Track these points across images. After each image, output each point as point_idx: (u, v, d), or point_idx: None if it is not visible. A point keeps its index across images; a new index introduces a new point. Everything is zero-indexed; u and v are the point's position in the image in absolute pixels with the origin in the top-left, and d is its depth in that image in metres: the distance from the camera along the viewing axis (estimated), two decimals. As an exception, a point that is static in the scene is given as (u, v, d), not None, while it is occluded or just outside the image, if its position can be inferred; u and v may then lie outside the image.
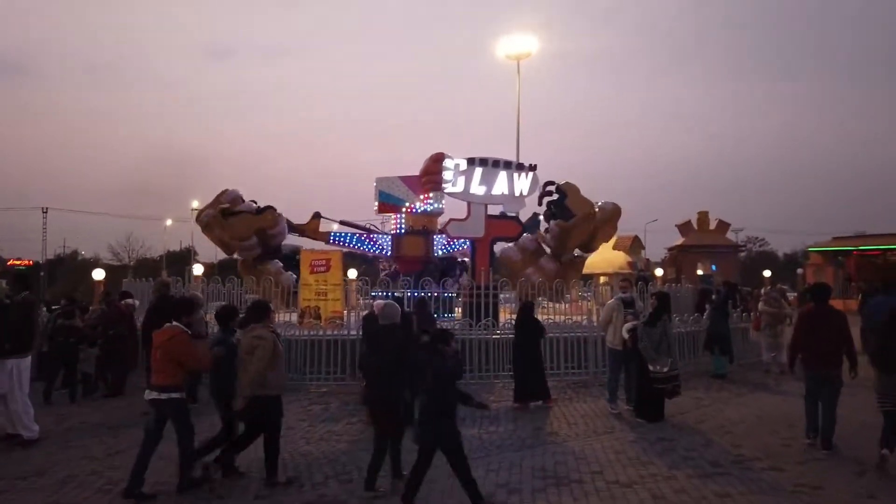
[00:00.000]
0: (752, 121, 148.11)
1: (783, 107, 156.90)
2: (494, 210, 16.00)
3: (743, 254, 62.93)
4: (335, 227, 19.69)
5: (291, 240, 18.72)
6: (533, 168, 15.63)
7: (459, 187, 15.13)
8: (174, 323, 6.48)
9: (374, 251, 19.42)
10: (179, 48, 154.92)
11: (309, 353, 12.61)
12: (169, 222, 68.30)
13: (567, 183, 16.55)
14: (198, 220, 17.32)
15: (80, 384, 11.51)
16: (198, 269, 20.91)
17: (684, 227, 39.99)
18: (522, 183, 15.52)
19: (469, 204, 15.33)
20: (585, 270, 30.69)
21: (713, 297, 14.68)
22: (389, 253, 19.09)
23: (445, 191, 15.26)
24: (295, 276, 16.08)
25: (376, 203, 19.34)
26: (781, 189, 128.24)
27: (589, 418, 9.66)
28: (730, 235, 42.83)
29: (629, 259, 36.19)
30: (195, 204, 62.04)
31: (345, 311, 14.43)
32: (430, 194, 17.64)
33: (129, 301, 13.26)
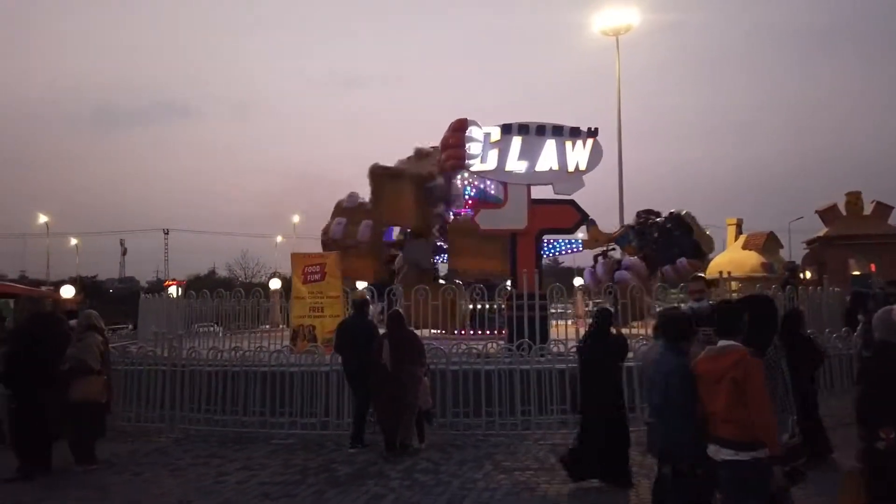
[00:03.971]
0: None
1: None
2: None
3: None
4: None
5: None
6: (593, 133, 11.61)
7: (491, 163, 11.50)
8: None
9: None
10: (310, 81, 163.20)
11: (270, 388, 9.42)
12: (279, 238, 69.01)
13: (688, 213, 16.52)
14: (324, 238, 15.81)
15: None
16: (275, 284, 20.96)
17: (828, 214, 31.76)
18: (579, 153, 11.57)
19: (505, 186, 11.60)
20: (708, 274, 25.90)
21: (869, 304, 9.93)
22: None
23: (472, 169, 11.59)
24: None
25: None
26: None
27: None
28: (893, 222, 34.40)
29: (763, 260, 30.21)
30: (296, 219, 62.60)
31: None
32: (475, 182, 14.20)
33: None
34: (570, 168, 11.57)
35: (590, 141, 11.64)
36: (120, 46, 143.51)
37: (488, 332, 12.36)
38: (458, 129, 11.38)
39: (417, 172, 14.68)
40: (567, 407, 8.38)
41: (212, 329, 13.75)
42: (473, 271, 14.36)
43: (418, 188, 14.56)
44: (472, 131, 11.49)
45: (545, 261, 19.26)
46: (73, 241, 61.89)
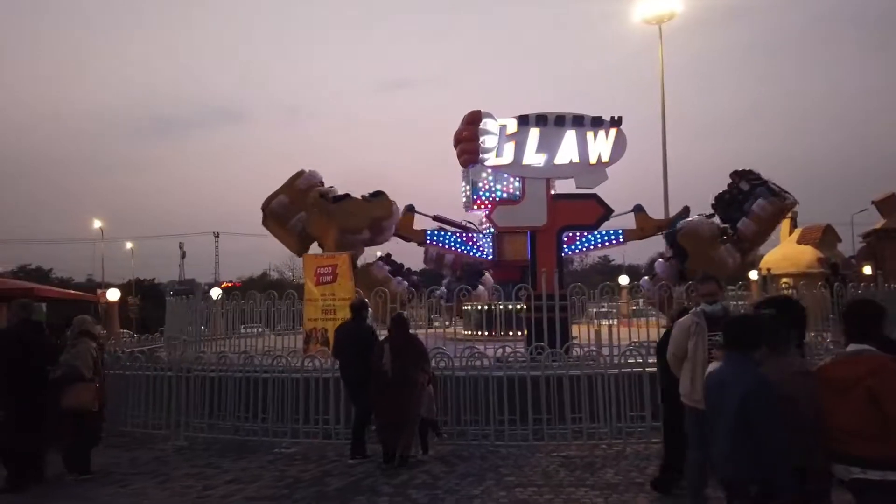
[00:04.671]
0: None
1: None
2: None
3: None
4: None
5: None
6: (617, 122, 10.87)
7: (507, 157, 10.93)
8: None
9: (474, 253, 16.70)
10: (358, 84, 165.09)
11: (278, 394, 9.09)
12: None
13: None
14: (265, 208, 15.08)
15: None
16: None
17: (886, 205, 28.97)
18: (601, 144, 10.86)
19: (523, 180, 10.99)
20: (760, 270, 24.52)
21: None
22: (491, 256, 15.98)
23: (487, 163, 11.01)
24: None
25: (465, 195, 16.65)
26: None
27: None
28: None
29: (819, 255, 28.51)
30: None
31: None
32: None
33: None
34: (592, 160, 10.90)
35: (613, 131, 10.94)
36: (179, 58, 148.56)
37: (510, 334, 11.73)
38: (472, 122, 10.82)
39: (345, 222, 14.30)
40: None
41: (258, 331, 13.66)
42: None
43: (341, 233, 14.18)
44: (487, 124, 10.93)
45: (591, 257, 18.53)
46: (129, 245, 63.90)
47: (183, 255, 72.88)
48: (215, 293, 23.86)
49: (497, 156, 10.96)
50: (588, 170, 10.88)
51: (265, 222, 15.21)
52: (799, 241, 27.59)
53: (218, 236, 71.05)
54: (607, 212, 11.12)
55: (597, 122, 10.93)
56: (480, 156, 10.89)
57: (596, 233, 18.66)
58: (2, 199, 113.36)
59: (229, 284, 63.97)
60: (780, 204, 14.26)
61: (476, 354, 8.93)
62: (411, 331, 8.48)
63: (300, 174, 15.06)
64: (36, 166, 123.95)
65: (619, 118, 10.95)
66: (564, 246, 17.43)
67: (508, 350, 9.24)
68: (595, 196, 11.10)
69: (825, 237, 29.34)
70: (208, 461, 8.36)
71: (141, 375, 10.13)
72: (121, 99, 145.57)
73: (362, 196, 14.58)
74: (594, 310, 12.64)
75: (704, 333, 5.52)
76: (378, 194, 14.43)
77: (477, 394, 8.70)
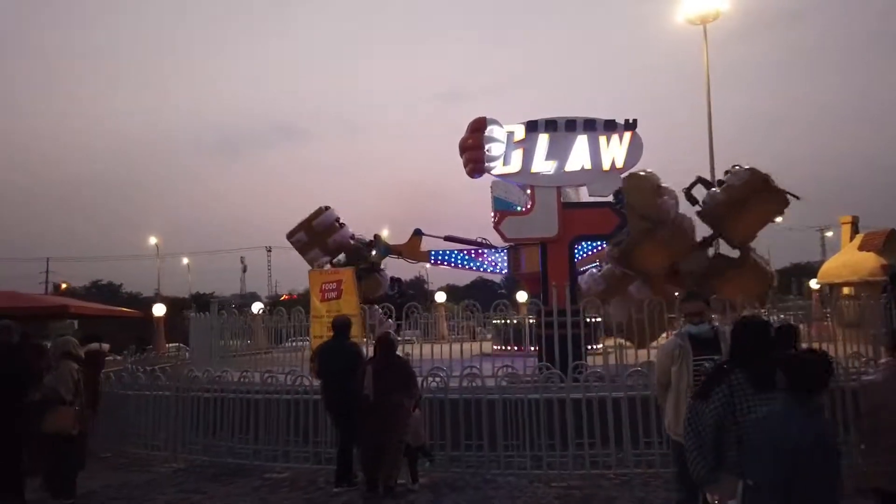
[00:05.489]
0: None
1: None
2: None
3: None
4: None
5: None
6: (632, 125, 10.22)
7: (515, 165, 10.39)
8: None
9: (485, 269, 15.98)
10: (415, 97, 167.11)
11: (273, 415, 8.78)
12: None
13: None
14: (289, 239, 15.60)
15: None
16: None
17: None
18: (615, 149, 10.21)
19: (532, 189, 10.40)
20: (820, 279, 23.24)
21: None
22: (505, 270, 15.52)
23: (494, 172, 10.48)
24: None
25: (493, 212, 16.39)
26: None
27: None
28: None
29: (883, 262, 26.65)
30: (385, 233, 62.87)
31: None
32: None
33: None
34: (606, 166, 10.25)
35: (627, 135, 10.27)
36: (243, 78, 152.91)
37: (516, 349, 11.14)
38: (477, 129, 10.32)
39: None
40: None
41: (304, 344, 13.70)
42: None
43: None
44: (493, 131, 10.42)
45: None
46: (185, 261, 65.73)
47: (244, 270, 74.33)
48: (256, 307, 24.00)
49: (504, 164, 10.44)
50: (601, 176, 10.24)
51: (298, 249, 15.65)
52: (860, 248, 25.88)
53: (270, 251, 72.32)
54: (623, 220, 10.41)
55: (610, 126, 10.28)
56: (487, 164, 10.38)
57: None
58: (76, 218, 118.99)
59: (287, 297, 65.14)
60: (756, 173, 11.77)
61: (473, 374, 8.38)
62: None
63: (319, 212, 15.19)
64: (106, 185, 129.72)
65: (634, 121, 10.28)
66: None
67: (508, 369, 8.65)
68: (609, 204, 10.45)
69: (889, 243, 27.52)
70: (198, 486, 8.13)
71: (142, 395, 10.02)
72: (188, 118, 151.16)
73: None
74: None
75: (689, 358, 4.88)
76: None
77: (473, 417, 8.16)
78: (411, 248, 16.08)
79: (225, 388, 9.30)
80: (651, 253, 10.01)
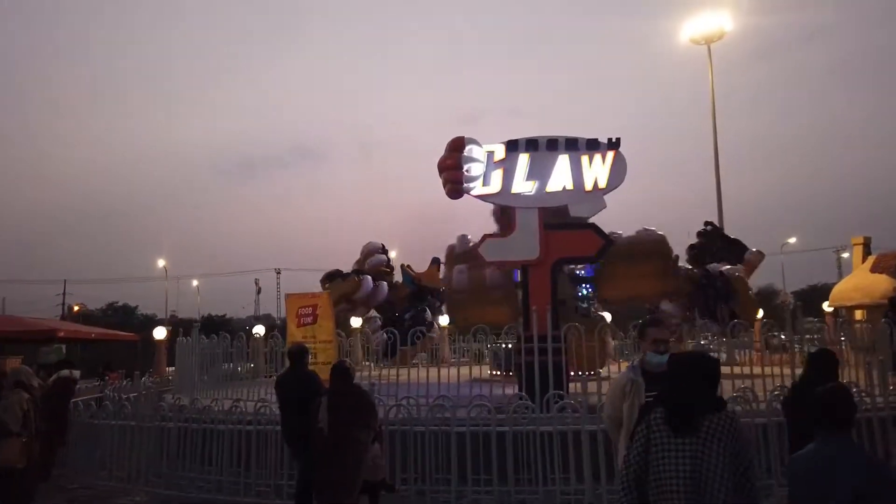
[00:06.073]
0: None
1: None
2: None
3: None
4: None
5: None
6: (615, 144, 9.85)
7: (495, 185, 10.05)
8: None
9: None
10: (433, 118, 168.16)
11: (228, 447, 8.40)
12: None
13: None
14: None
15: None
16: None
17: None
18: (598, 169, 9.84)
19: (513, 210, 10.04)
20: (832, 302, 22.67)
21: None
22: None
23: (473, 193, 10.13)
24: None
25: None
26: None
27: None
28: None
29: (896, 284, 25.89)
30: (393, 254, 62.71)
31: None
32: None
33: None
34: (588, 186, 9.88)
35: (610, 154, 9.90)
36: (261, 100, 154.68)
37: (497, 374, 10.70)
38: (455, 149, 10.00)
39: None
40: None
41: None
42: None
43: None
44: (472, 150, 10.10)
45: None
46: (195, 283, 65.84)
47: (258, 291, 74.18)
48: (260, 330, 23.74)
49: (484, 184, 10.11)
50: (584, 197, 9.86)
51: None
52: (873, 269, 25.16)
53: (279, 273, 72.30)
54: (607, 242, 9.99)
55: (592, 145, 9.93)
56: (466, 185, 10.04)
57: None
58: (94, 240, 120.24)
59: None
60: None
61: (440, 405, 7.96)
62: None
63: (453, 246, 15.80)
64: (124, 207, 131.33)
65: (618, 140, 9.91)
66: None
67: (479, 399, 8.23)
68: (593, 225, 10.05)
69: (903, 263, 26.77)
70: (151, 522, 7.75)
71: (108, 425, 9.70)
72: (207, 140, 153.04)
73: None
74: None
75: (641, 393, 4.46)
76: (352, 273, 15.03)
77: (441, 450, 7.73)
78: (430, 277, 16.12)
79: (188, 419, 8.95)
80: None
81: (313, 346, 10.51)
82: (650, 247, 14.64)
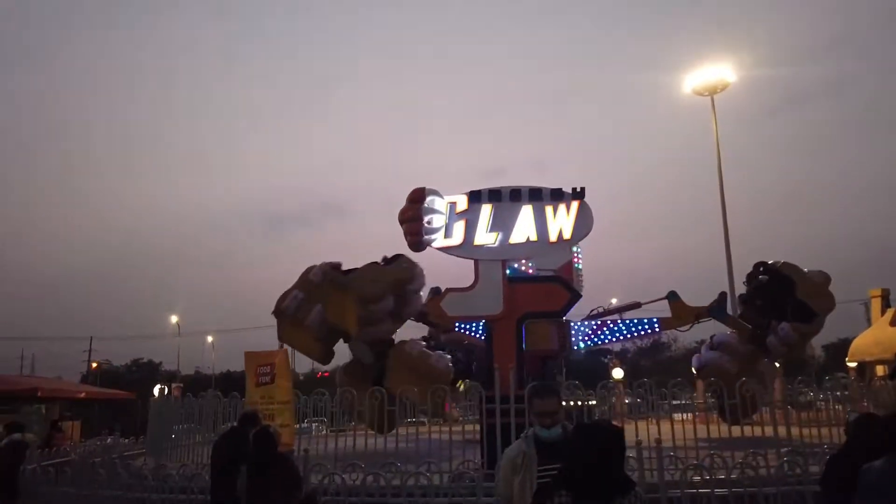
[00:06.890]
0: None
1: None
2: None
3: None
4: None
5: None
6: (579, 194, 9.47)
7: (457, 237, 9.68)
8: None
9: None
10: (457, 175, 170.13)
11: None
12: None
13: (787, 264, 14.07)
14: (277, 311, 13.70)
15: None
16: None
17: None
18: (562, 220, 9.44)
19: (476, 264, 9.63)
20: (851, 357, 21.83)
21: None
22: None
23: (435, 245, 9.78)
24: None
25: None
26: None
27: None
28: None
29: (914, 340, 24.83)
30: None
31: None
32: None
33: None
34: (553, 237, 9.49)
35: (574, 204, 9.53)
36: (288, 157, 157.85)
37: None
38: (415, 200, 9.72)
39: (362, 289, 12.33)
40: None
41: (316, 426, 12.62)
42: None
43: (362, 305, 12.28)
44: (433, 202, 9.82)
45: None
46: (209, 339, 65.78)
47: (280, 346, 73.67)
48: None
49: (446, 236, 9.77)
50: (548, 249, 9.46)
51: (280, 330, 13.80)
52: (892, 324, 24.16)
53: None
54: (574, 296, 9.51)
55: (557, 196, 9.58)
56: (425, 237, 9.70)
57: (629, 321, 16.65)
58: (122, 296, 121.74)
59: (321, 375, 64.60)
60: (806, 329, 13.76)
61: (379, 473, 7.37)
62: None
63: (311, 268, 13.81)
64: (152, 264, 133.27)
65: (582, 189, 9.55)
66: (594, 335, 15.67)
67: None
68: (559, 278, 9.61)
69: (920, 318, 25.67)
70: None
71: (53, 492, 9.25)
72: (234, 199, 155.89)
73: (381, 260, 13.31)
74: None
75: (534, 467, 3.93)
76: (397, 258, 12.98)
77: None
78: (433, 310, 14.92)
79: (123, 486, 8.46)
80: None
81: (271, 407, 10.05)
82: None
